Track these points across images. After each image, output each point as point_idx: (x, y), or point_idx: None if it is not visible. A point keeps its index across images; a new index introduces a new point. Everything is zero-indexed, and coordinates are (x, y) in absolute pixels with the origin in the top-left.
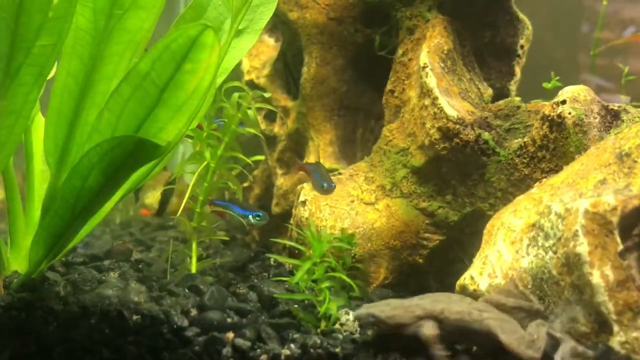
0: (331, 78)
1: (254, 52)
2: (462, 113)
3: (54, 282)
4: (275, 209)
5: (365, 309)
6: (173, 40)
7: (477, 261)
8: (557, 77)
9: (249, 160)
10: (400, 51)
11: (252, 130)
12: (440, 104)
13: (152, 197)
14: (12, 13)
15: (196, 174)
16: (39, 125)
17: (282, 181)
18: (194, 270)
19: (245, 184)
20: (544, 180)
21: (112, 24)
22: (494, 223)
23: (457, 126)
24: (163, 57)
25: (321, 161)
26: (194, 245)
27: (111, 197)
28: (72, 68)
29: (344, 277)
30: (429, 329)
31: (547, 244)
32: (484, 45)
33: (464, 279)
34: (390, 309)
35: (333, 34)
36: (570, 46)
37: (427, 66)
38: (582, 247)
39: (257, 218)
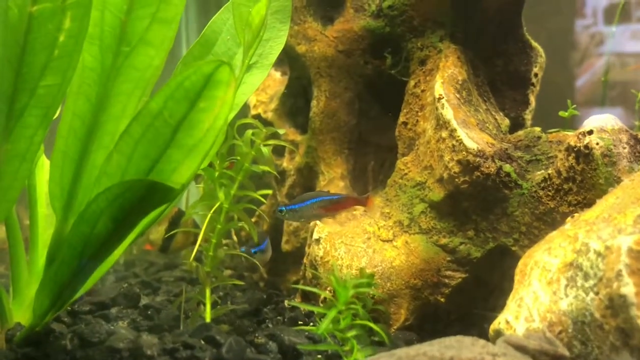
0: (341, 111)
1: (260, 86)
2: (482, 145)
3: (60, 335)
4: (285, 247)
5: None
6: (186, 77)
7: (512, 303)
8: (574, 106)
9: (263, 200)
10: (412, 82)
11: (266, 169)
12: (459, 136)
13: (157, 233)
14: (16, 52)
15: (209, 215)
16: (42, 168)
17: None
18: (208, 319)
19: (253, 219)
20: (576, 215)
21: (119, 61)
22: (526, 262)
23: (478, 159)
24: (176, 95)
25: None
26: (207, 292)
27: (121, 242)
28: (78, 108)
29: (370, 324)
30: None
31: (587, 285)
32: (497, 74)
33: (499, 323)
34: None
35: (342, 66)
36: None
37: (443, 97)
38: (628, 287)
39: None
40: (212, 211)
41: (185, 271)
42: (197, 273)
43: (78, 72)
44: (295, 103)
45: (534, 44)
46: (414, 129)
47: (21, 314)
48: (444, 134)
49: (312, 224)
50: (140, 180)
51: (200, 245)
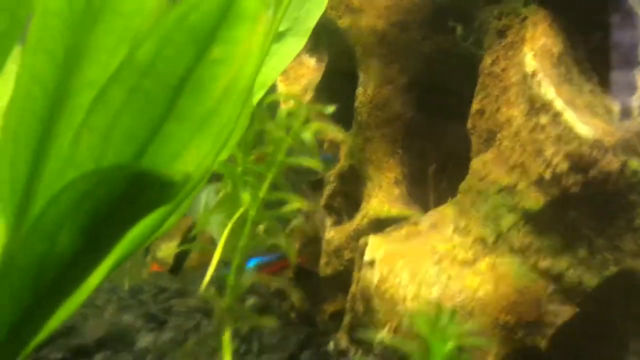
0: (394, 101)
1: (292, 75)
2: (599, 133)
3: None
4: (325, 270)
5: None
6: (192, 8)
7: None
8: None
9: (302, 204)
10: (488, 60)
11: (310, 162)
12: (566, 121)
13: (166, 250)
14: None
15: (229, 226)
16: None
17: (332, 234)
18: None
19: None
20: None
21: (97, 3)
22: None
23: (595, 151)
24: (175, 37)
25: (387, 207)
26: (227, 336)
27: (97, 266)
28: (38, 70)
29: None
30: None
31: None
32: (594, 51)
33: None
34: None
35: (395, 43)
36: None
37: (539, 72)
38: None
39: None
40: (232, 221)
41: (203, 301)
42: (215, 309)
43: (38, 19)
44: (334, 94)
45: None
46: (494, 118)
47: None
48: (544, 119)
49: (361, 241)
50: (120, 168)
51: (217, 269)
